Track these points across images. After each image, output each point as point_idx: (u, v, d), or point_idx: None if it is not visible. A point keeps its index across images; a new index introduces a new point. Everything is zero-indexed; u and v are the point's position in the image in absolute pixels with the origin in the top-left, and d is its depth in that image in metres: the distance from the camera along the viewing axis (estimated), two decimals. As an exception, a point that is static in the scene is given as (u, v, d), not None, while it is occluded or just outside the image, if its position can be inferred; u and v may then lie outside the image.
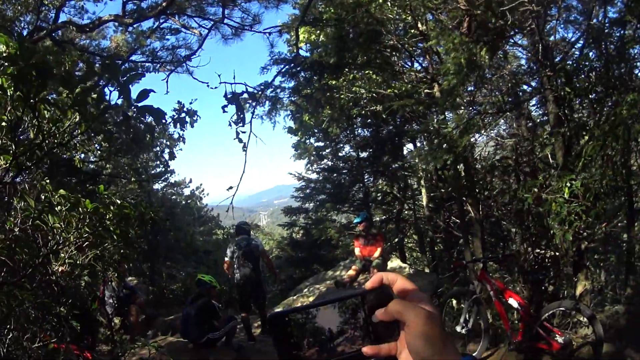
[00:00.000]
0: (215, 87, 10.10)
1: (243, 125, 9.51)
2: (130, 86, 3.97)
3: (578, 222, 7.56)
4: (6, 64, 3.46)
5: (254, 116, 10.56)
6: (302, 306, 1.13)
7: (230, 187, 10.99)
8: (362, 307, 1.14)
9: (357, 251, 14.67)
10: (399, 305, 1.07)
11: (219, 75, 9.52)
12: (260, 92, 10.92)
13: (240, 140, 10.29)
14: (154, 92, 4.19)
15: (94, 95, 3.88)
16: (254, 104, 10.04)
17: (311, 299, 14.22)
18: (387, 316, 1.09)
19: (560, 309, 7.46)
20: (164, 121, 10.49)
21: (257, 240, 12.54)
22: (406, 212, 24.16)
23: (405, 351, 1.08)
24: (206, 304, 10.26)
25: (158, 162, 25.28)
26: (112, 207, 4.87)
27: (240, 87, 9.35)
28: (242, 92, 8.33)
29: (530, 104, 13.15)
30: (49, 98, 4.07)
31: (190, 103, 10.88)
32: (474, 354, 8.51)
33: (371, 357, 1.12)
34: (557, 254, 8.47)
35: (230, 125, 9.61)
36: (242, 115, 8.96)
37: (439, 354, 1.02)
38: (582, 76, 8.56)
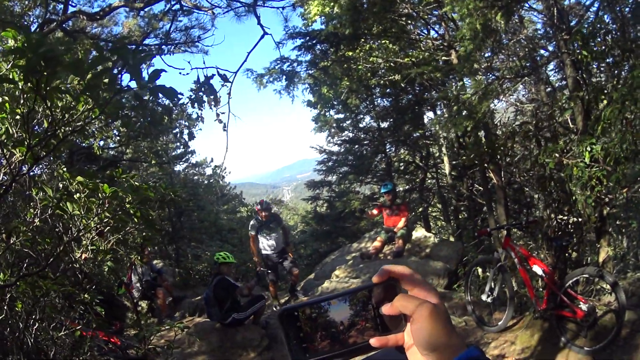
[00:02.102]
0: (187, 74, 10.15)
1: (213, 107, 9.58)
2: (141, 67, 3.95)
3: (599, 187, 7.49)
4: (16, 56, 3.46)
5: (230, 97, 10.55)
6: (311, 300, 1.17)
7: (217, 166, 11.18)
8: (370, 300, 1.17)
9: (374, 212, 14.79)
10: (404, 300, 1.12)
11: (189, 62, 9.64)
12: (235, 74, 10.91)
13: (220, 121, 10.36)
14: (165, 71, 4.19)
15: (106, 80, 3.86)
16: (227, 85, 10.04)
17: (337, 272, 14.23)
18: (393, 311, 1.13)
19: (584, 276, 7.39)
20: (179, 101, 10.59)
21: None
22: (429, 180, 24.15)
23: (412, 342, 1.11)
24: (220, 281, 10.33)
25: (178, 144, 25.36)
26: (131, 190, 4.86)
27: (212, 70, 9.53)
28: (212, 75, 8.38)
29: (548, 69, 13.00)
30: (61, 86, 4.04)
31: (208, 80, 10.84)
32: (499, 323, 8.49)
33: (379, 348, 1.16)
34: (580, 219, 8.39)
35: (211, 108, 9.69)
36: (214, 97, 9.02)
37: (444, 346, 1.06)
38: (598, 39, 8.43)
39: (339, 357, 1.17)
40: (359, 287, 1.19)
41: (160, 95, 4.11)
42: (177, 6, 14.37)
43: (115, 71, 3.93)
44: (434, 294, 1.14)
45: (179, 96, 9.91)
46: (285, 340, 1.17)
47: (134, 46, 14.79)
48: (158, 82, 3.96)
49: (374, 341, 1.15)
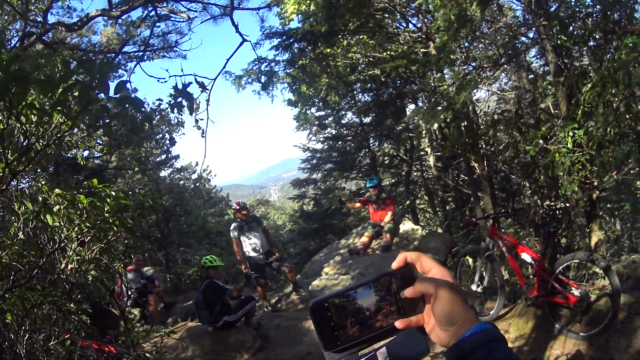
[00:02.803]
0: (165, 81, 10.13)
1: (191, 114, 9.54)
2: (108, 79, 3.97)
3: (583, 172, 7.47)
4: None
5: (209, 104, 10.54)
6: (338, 291, 1.27)
7: (203, 170, 11.09)
8: (392, 286, 1.28)
9: (357, 204, 15.07)
10: (425, 282, 1.25)
11: (167, 70, 9.64)
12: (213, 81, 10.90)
13: (199, 128, 10.33)
14: (130, 82, 4.26)
15: (76, 94, 3.88)
16: (206, 92, 10.00)
17: (326, 269, 14.24)
18: (414, 293, 1.26)
19: (574, 261, 7.37)
20: (160, 106, 10.51)
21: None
22: (415, 173, 24.21)
23: (431, 320, 1.24)
24: (209, 285, 10.35)
25: (161, 150, 25.40)
26: (108, 199, 4.87)
27: (190, 78, 9.51)
28: (189, 82, 8.38)
29: (530, 55, 13.01)
30: (35, 102, 4.06)
31: (186, 87, 10.76)
32: (491, 312, 8.48)
33: (403, 329, 1.27)
34: (568, 205, 8.39)
35: (190, 115, 9.66)
36: (192, 106, 9.00)
37: (462, 320, 1.19)
38: (578, 23, 8.40)
39: (368, 342, 1.26)
40: (381, 274, 1.29)
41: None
42: (154, 12, 14.41)
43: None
44: (448, 274, 1.27)
45: (159, 101, 9.91)
46: (317, 331, 1.25)
47: (112, 54, 14.84)
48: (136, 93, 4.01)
49: (398, 323, 1.25)
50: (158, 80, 11.07)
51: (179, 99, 9.03)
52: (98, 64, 3.87)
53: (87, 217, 4.76)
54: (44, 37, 13.43)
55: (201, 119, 10.43)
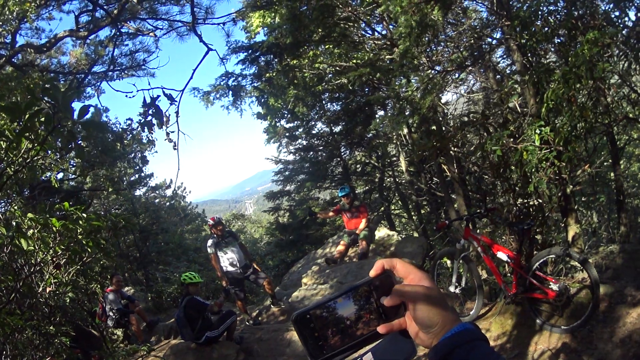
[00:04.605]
0: (133, 96, 10.07)
1: (160, 128, 9.51)
2: (71, 104, 3.99)
3: (552, 168, 7.53)
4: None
5: (178, 116, 10.49)
6: (319, 302, 1.29)
7: (177, 186, 10.96)
8: (371, 293, 1.30)
9: (330, 214, 15.20)
10: (401, 289, 1.28)
11: (134, 85, 9.54)
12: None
13: (170, 140, 10.28)
14: (93, 106, 4.28)
15: (43, 119, 3.90)
16: (175, 104, 9.94)
17: (305, 280, 14.24)
18: (393, 302, 1.28)
19: (551, 256, 7.41)
20: (130, 126, 10.42)
21: None
22: (388, 179, 24.24)
23: (412, 323, 1.27)
24: (189, 302, 10.29)
25: (136, 168, 25.26)
26: (80, 222, 4.86)
27: (158, 91, 9.39)
28: (158, 96, 8.35)
29: (497, 56, 13.08)
30: (4, 129, 4.08)
31: (154, 101, 10.69)
32: (471, 312, 8.51)
33: (386, 334, 1.29)
34: (541, 201, 8.43)
35: (161, 128, 9.62)
36: (161, 119, 8.97)
37: (441, 322, 1.22)
38: (540, 21, 8.44)
39: (351, 349, 1.29)
40: (360, 283, 1.31)
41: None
42: (122, 30, 14.41)
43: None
44: (426, 277, 1.29)
45: (129, 121, 9.85)
46: (302, 342, 1.28)
47: (82, 74, 14.83)
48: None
49: (381, 328, 1.28)
50: (126, 95, 11.03)
51: (149, 118, 9.01)
52: (62, 91, 3.89)
53: (61, 240, 4.77)
54: (13, 59, 13.35)
55: (172, 132, 10.40)
